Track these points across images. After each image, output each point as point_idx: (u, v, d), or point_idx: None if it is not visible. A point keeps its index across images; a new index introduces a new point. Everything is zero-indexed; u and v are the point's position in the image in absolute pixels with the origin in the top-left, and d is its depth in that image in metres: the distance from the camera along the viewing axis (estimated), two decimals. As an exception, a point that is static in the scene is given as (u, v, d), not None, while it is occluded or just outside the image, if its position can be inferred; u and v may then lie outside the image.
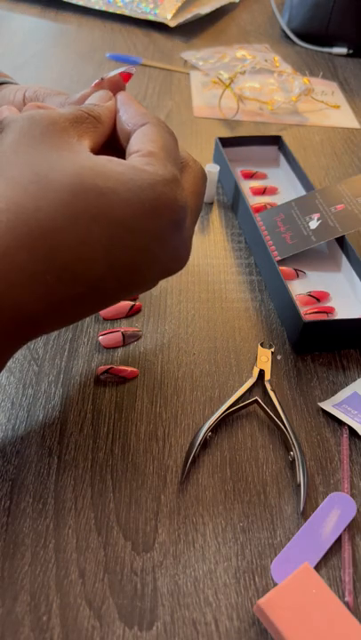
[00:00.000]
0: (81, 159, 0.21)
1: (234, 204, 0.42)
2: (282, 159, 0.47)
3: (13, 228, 0.19)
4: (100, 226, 0.20)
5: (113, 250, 0.21)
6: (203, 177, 0.25)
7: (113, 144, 0.25)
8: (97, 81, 0.26)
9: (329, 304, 0.35)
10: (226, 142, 0.45)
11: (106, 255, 0.21)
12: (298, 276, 0.37)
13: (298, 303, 0.34)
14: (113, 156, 0.22)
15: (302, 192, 0.43)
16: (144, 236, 0.21)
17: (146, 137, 0.23)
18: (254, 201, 0.43)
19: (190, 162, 0.25)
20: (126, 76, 0.27)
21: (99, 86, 0.26)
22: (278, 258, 0.37)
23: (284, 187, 0.45)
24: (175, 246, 0.23)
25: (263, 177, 0.46)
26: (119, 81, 0.27)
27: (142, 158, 0.22)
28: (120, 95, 0.26)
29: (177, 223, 0.22)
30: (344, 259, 0.37)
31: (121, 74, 0.27)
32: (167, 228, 0.22)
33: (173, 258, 0.23)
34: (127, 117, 0.25)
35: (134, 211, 0.21)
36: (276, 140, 0.47)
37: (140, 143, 0.23)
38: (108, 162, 0.22)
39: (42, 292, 0.20)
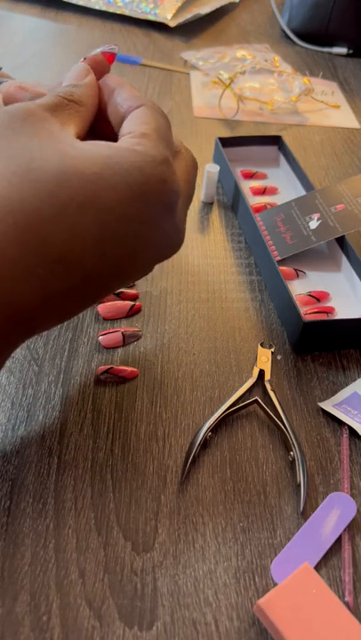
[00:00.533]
0: (64, 146, 0.21)
1: (234, 203, 0.42)
2: (282, 159, 0.47)
3: None
4: (88, 214, 0.20)
5: (104, 238, 0.21)
6: (194, 165, 0.25)
7: (105, 129, 0.24)
8: (80, 61, 0.25)
9: (329, 304, 0.35)
10: (226, 142, 0.45)
11: (97, 244, 0.20)
12: (298, 276, 0.37)
13: (298, 303, 0.34)
14: (105, 141, 0.22)
15: (302, 192, 0.43)
16: (134, 221, 0.21)
17: (139, 119, 0.23)
18: (254, 201, 0.43)
19: (182, 149, 0.25)
20: (110, 57, 0.26)
21: None
22: (278, 258, 0.37)
23: (284, 187, 0.45)
24: (167, 231, 0.23)
25: (263, 177, 0.46)
26: (102, 61, 0.25)
27: (133, 139, 0.22)
28: (110, 78, 0.25)
29: (168, 207, 0.22)
30: (344, 259, 0.37)
31: (104, 54, 0.25)
32: (158, 212, 0.21)
33: (166, 243, 0.23)
34: (121, 100, 0.24)
35: (122, 196, 0.20)
36: (276, 140, 0.47)
37: (133, 125, 0.23)
38: (94, 146, 0.21)
39: (36, 287, 0.20)
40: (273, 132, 0.53)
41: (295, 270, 0.37)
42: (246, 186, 0.45)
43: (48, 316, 0.22)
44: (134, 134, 0.22)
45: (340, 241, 0.38)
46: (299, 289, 0.36)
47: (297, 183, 0.44)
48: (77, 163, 0.20)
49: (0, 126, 0.21)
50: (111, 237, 0.21)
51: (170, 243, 0.23)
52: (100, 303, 0.33)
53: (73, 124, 0.22)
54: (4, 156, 0.20)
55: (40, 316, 0.21)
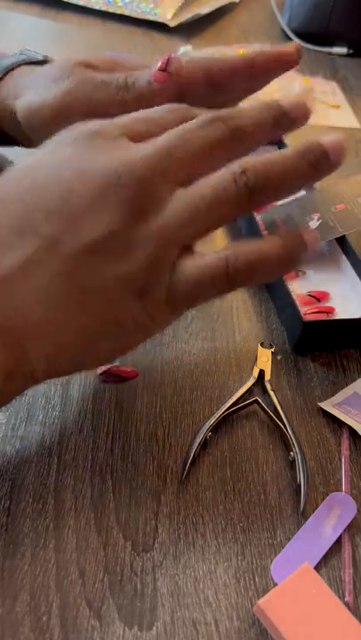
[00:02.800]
0: None
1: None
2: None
3: None
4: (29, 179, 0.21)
5: (35, 178, 0.21)
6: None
7: None
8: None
9: (329, 304, 0.35)
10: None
11: (28, 186, 0.21)
12: (298, 275, 0.37)
13: (298, 303, 0.34)
14: None
15: (302, 192, 0.43)
16: (52, 156, 0.22)
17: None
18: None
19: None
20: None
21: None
22: (278, 258, 0.37)
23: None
24: (82, 159, 0.21)
25: None
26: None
27: None
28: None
29: (76, 139, 0.22)
30: (344, 259, 0.37)
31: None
32: (80, 139, 0.21)
33: (88, 165, 0.21)
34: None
35: (46, 149, 0.22)
36: (276, 142, 0.47)
37: None
38: None
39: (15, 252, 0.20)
40: (273, 132, 0.53)
41: (295, 270, 0.37)
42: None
43: (50, 320, 0.20)
44: None
45: (341, 241, 0.38)
46: (299, 289, 0.36)
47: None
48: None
49: None
50: (43, 170, 0.21)
51: (89, 170, 0.21)
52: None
53: None
54: None
55: (38, 320, 0.20)
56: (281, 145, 0.47)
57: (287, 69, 0.28)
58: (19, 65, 0.35)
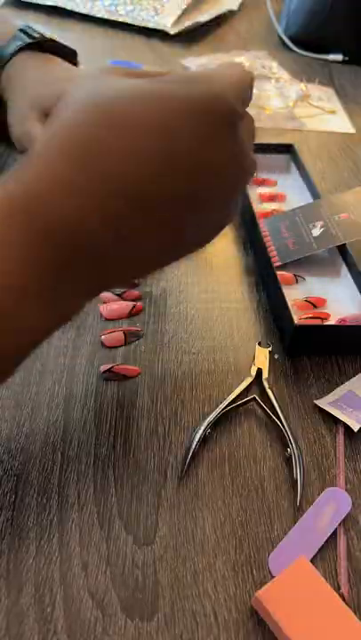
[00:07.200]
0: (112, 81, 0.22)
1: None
2: (293, 167, 0.47)
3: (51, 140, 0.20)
4: (134, 134, 0.19)
5: (164, 159, 0.20)
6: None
7: None
8: None
9: (325, 310, 0.35)
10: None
11: (147, 160, 0.19)
12: (297, 281, 0.37)
13: (295, 308, 0.34)
14: None
15: (310, 199, 0.44)
16: (189, 138, 0.20)
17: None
18: (263, 207, 0.43)
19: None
20: None
21: None
22: (279, 263, 0.37)
23: (292, 194, 0.45)
24: (234, 152, 0.21)
25: (273, 184, 0.46)
26: None
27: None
28: None
29: (227, 121, 0.20)
30: (344, 267, 0.38)
31: None
32: (215, 128, 0.20)
33: (234, 166, 0.21)
34: None
35: (167, 112, 0.20)
36: (287, 149, 0.48)
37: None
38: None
39: (89, 203, 0.19)
40: (271, 137, 0.53)
41: (294, 276, 0.37)
42: (256, 192, 0.45)
43: (116, 246, 0.20)
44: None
45: (342, 249, 0.38)
46: (297, 294, 0.36)
47: (305, 191, 0.44)
48: (111, 87, 0.21)
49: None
50: (170, 157, 0.20)
51: (240, 165, 0.22)
52: (103, 303, 0.34)
53: None
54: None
55: (110, 246, 0.20)
56: (292, 151, 0.48)
57: None
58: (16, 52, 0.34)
